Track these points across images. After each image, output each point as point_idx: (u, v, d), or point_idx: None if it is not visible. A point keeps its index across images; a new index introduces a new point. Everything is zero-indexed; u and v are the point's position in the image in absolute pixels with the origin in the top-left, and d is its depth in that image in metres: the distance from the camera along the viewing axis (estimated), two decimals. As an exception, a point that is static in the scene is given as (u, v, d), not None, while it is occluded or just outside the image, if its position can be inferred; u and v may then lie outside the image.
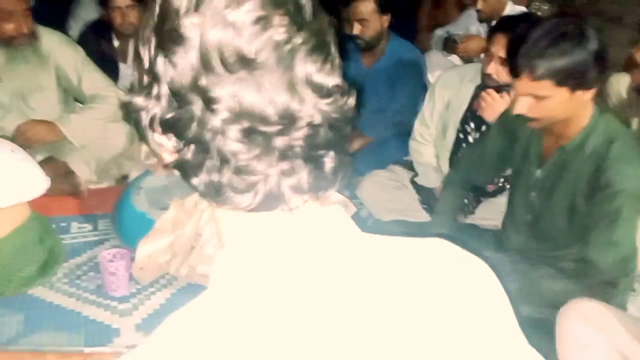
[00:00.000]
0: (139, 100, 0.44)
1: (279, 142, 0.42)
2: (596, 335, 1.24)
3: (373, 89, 2.55)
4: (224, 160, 0.42)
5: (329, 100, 0.44)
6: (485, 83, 1.90)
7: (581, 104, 1.30)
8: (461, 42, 2.75)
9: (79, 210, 2.12)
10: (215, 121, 0.41)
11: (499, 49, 1.80)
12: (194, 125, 0.42)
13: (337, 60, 0.46)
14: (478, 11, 2.72)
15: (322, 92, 0.43)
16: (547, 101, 1.27)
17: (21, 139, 2.06)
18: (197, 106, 0.42)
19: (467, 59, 2.71)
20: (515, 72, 1.29)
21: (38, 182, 1.64)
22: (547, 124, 1.35)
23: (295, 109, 0.42)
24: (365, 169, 2.29)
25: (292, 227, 0.46)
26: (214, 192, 0.44)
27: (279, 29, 0.42)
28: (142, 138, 0.47)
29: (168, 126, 0.44)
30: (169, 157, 0.45)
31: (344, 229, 0.48)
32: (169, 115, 0.43)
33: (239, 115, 0.41)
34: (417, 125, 2.20)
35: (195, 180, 0.44)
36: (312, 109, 0.43)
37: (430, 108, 2.13)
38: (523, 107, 1.31)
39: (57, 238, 1.86)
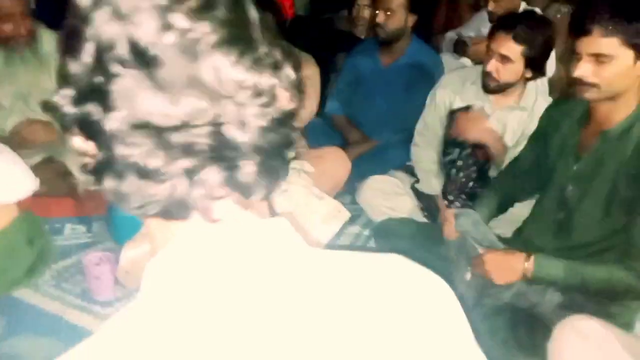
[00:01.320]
0: (57, 99, 0.43)
1: (178, 138, 0.40)
2: (594, 357, 1.16)
3: (386, 90, 2.50)
4: (124, 163, 0.41)
5: (244, 98, 0.41)
6: (486, 83, 1.82)
7: (637, 79, 1.28)
8: (472, 44, 2.67)
9: (75, 212, 2.11)
10: (112, 121, 0.40)
11: (499, 46, 1.74)
12: (95, 126, 0.41)
13: (271, 60, 0.43)
14: (489, 12, 2.64)
15: (234, 88, 0.40)
16: (609, 65, 1.26)
17: (16, 138, 2.06)
18: (94, 105, 0.40)
19: (478, 62, 2.63)
20: (580, 29, 1.27)
21: (23, 184, 1.63)
22: (601, 96, 1.31)
23: (197, 105, 0.40)
24: (366, 174, 2.23)
25: (223, 237, 0.45)
26: (120, 199, 0.42)
27: (180, 19, 0.39)
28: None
29: (78, 126, 0.42)
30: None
31: (282, 241, 0.46)
32: (73, 115, 0.42)
33: (135, 113, 0.39)
34: (418, 130, 2.13)
35: (105, 186, 0.42)
36: (219, 106, 0.40)
37: (432, 113, 2.06)
38: (585, 69, 1.28)
39: (49, 239, 1.84)
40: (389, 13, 2.37)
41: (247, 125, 0.41)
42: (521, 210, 1.70)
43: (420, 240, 1.85)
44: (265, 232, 0.46)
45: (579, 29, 1.28)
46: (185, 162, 0.40)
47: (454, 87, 1.98)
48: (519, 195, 1.70)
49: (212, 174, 0.41)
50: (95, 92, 0.40)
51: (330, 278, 0.47)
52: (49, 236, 1.88)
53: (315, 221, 1.79)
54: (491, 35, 1.79)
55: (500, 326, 1.45)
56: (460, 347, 0.49)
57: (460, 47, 2.77)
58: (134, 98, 0.39)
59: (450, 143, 1.93)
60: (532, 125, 1.67)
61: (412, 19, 2.42)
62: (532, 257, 1.38)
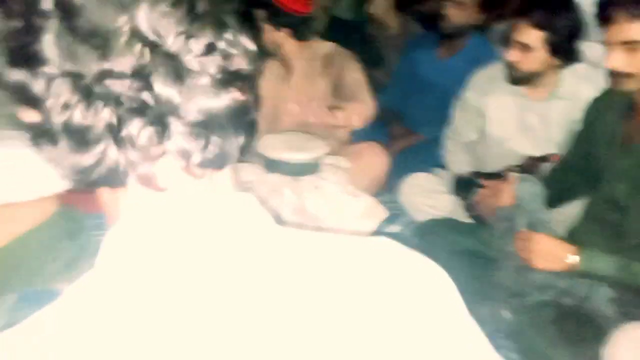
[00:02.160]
0: None
1: (101, 89, 0.39)
2: None
3: (440, 84, 2.41)
4: (54, 124, 0.40)
5: (176, 48, 0.39)
6: (509, 74, 1.71)
7: None
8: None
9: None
10: (40, 80, 0.39)
11: (518, 33, 1.64)
12: (28, 91, 0.40)
13: (213, 20, 0.42)
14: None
15: (161, 35, 0.39)
16: None
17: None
18: (25, 68, 0.40)
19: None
20: (605, 18, 1.21)
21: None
22: (639, 87, 1.23)
23: (120, 53, 0.38)
24: (410, 171, 2.15)
25: (176, 210, 0.44)
26: (60, 169, 0.42)
27: None
28: None
29: (19, 97, 0.42)
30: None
31: (243, 217, 0.45)
32: (12, 84, 0.41)
33: (62, 66, 0.39)
34: (448, 135, 2.04)
35: (45, 156, 0.42)
36: (145, 56, 0.39)
37: (461, 115, 1.97)
38: (617, 59, 1.21)
39: (90, 234, 1.88)
40: (461, 6, 2.30)
41: (177, 79, 0.39)
42: (573, 209, 1.58)
43: (464, 241, 1.75)
44: (225, 205, 0.45)
45: (604, 17, 1.21)
46: (108, 114, 0.39)
47: (483, 88, 1.88)
48: (569, 194, 1.57)
49: (138, 129, 0.39)
50: (24, 53, 0.39)
51: (301, 258, 0.45)
52: (90, 231, 1.91)
53: (350, 219, 1.72)
54: (512, 24, 1.69)
55: (547, 319, 1.35)
56: (456, 330, 0.46)
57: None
58: (59, 51, 0.38)
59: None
60: (578, 115, 1.54)
61: (481, 16, 2.34)
62: (579, 249, 1.29)
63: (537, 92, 1.77)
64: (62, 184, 1.71)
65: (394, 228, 2.15)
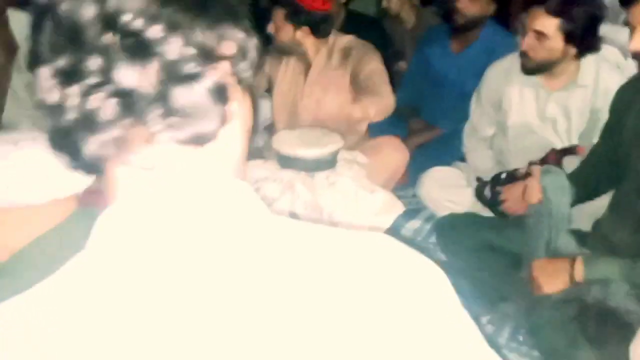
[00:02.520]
0: None
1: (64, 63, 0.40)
2: None
3: (456, 77, 2.38)
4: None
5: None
6: (523, 64, 1.65)
7: None
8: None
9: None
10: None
11: (533, 20, 1.59)
12: None
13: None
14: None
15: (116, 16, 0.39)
16: None
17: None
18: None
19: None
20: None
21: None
22: None
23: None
24: (430, 165, 2.11)
25: (168, 195, 0.44)
26: (58, 158, 0.44)
27: None
28: None
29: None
30: None
31: (234, 205, 0.44)
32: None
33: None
34: (466, 133, 2.00)
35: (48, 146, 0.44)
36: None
37: (478, 111, 1.92)
38: None
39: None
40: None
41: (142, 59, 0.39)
42: (600, 201, 1.52)
43: (485, 236, 1.71)
44: (219, 192, 0.44)
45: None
46: (75, 89, 0.40)
47: (499, 82, 1.83)
48: (597, 188, 1.52)
49: (102, 101, 0.40)
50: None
51: (294, 249, 0.44)
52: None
53: (366, 215, 1.69)
54: (526, 10, 1.64)
55: (569, 316, 1.31)
56: (452, 329, 0.44)
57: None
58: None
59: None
60: (600, 103, 1.49)
61: (493, 7, 2.29)
62: (578, 261, 1.28)
63: (556, 81, 1.72)
64: (81, 184, 1.73)
65: (414, 223, 2.12)
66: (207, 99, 0.42)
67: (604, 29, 1.72)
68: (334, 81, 2.04)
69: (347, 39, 2.05)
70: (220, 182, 0.45)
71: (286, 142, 1.70)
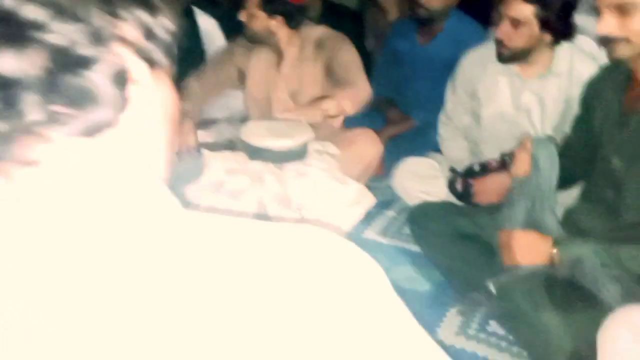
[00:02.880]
0: None
1: None
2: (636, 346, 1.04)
3: (425, 69, 2.36)
4: None
5: None
6: (498, 52, 1.64)
7: None
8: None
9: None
10: None
11: (508, 7, 1.57)
12: None
13: None
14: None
15: None
16: (636, 14, 1.12)
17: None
18: None
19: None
20: None
21: None
22: (636, 51, 1.17)
23: None
24: (404, 156, 2.10)
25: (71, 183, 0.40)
26: None
27: None
28: None
29: None
30: None
31: (136, 201, 0.41)
32: None
33: None
34: (442, 121, 1.98)
35: None
36: None
37: (453, 100, 1.91)
38: (608, 24, 1.16)
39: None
40: None
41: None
42: (572, 191, 1.52)
43: (458, 225, 1.70)
44: (119, 187, 0.41)
45: None
46: None
47: (473, 71, 1.82)
48: (569, 178, 1.51)
49: None
50: None
51: (209, 245, 0.41)
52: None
53: (337, 207, 1.67)
54: None
55: (537, 283, 1.31)
56: (385, 320, 0.43)
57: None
58: None
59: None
60: (574, 92, 1.48)
61: None
62: (559, 244, 1.26)
63: (531, 69, 1.70)
64: None
65: (388, 214, 2.10)
66: (100, 85, 0.39)
67: (579, 20, 1.71)
68: (307, 73, 2.00)
69: (320, 30, 2.01)
70: (122, 175, 0.42)
71: (254, 133, 1.67)
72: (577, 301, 1.23)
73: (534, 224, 1.40)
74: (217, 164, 1.64)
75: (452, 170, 1.96)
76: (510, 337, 1.47)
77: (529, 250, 1.30)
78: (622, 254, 1.20)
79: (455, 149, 1.97)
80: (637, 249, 1.21)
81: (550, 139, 1.50)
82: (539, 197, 1.41)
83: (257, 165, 1.63)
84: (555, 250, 1.27)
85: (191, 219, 0.42)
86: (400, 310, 0.45)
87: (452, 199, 1.89)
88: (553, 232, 1.36)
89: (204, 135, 2.13)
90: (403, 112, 2.45)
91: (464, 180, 1.84)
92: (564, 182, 1.51)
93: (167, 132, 0.47)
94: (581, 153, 1.43)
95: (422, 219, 1.79)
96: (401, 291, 1.54)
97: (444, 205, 1.82)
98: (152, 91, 0.44)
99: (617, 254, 1.21)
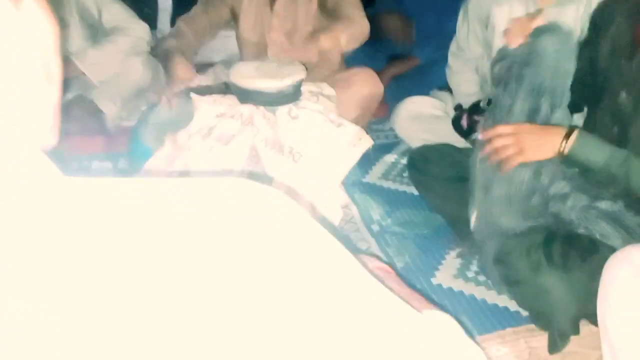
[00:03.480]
0: None
1: None
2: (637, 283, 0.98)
3: (431, 3, 2.21)
4: None
5: None
6: None
7: None
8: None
9: (103, 149, 2.10)
10: None
11: None
12: None
13: None
14: None
15: None
16: None
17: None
18: None
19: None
20: None
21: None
22: None
23: None
24: (406, 96, 2.01)
25: None
26: None
27: None
28: None
29: None
30: None
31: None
32: None
33: None
34: (452, 52, 1.87)
35: None
36: None
37: (465, 29, 1.79)
38: None
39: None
40: None
41: None
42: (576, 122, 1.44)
43: (457, 167, 1.63)
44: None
45: None
46: None
47: None
48: (572, 106, 1.42)
49: None
50: None
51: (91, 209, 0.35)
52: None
53: (332, 151, 1.62)
54: None
55: (535, 243, 1.25)
56: (317, 263, 0.38)
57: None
58: None
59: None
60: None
61: None
62: (575, 133, 1.18)
63: None
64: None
65: (389, 157, 2.04)
66: None
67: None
68: (302, 11, 1.90)
69: None
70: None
71: (244, 74, 1.60)
72: (577, 260, 1.18)
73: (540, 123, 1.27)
74: (207, 108, 1.59)
75: (458, 107, 1.87)
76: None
77: (538, 142, 1.20)
78: (634, 167, 1.13)
79: (464, 81, 1.88)
80: None
81: (561, 26, 1.31)
82: (548, 94, 1.27)
83: (248, 109, 1.57)
84: (570, 140, 1.18)
85: (76, 186, 0.36)
86: (330, 247, 0.40)
87: (456, 138, 1.82)
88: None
89: (199, 80, 2.07)
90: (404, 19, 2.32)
91: (469, 117, 1.76)
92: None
93: (45, 72, 0.39)
94: (585, 81, 1.33)
95: (422, 164, 1.73)
96: (402, 235, 1.49)
97: (443, 148, 1.75)
98: (17, 17, 0.36)
99: (631, 165, 1.13)
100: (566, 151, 1.19)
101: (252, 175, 1.45)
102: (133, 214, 0.35)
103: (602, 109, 1.27)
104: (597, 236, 1.19)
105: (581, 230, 1.23)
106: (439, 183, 1.64)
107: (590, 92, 1.32)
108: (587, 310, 1.11)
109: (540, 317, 1.26)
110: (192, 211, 0.36)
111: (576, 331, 1.21)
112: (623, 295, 1.01)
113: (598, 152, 1.18)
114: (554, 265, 1.19)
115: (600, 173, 1.19)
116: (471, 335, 1.35)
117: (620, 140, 1.21)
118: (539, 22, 1.32)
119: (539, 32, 1.29)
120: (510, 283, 1.29)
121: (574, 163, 1.23)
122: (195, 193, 0.37)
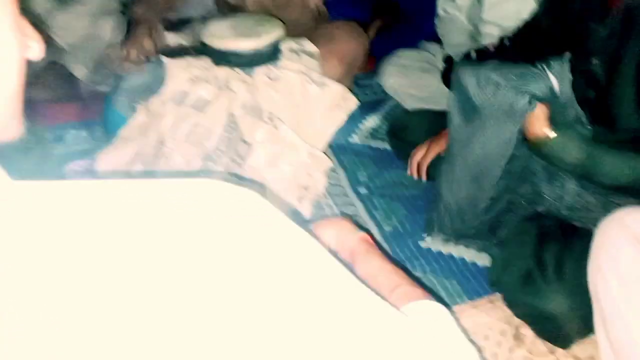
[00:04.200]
0: None
1: None
2: (628, 246, 0.94)
3: None
4: None
5: None
6: None
7: None
8: None
9: (78, 117, 2.01)
10: None
11: None
12: None
13: None
14: None
15: None
16: None
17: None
18: None
19: None
20: None
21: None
22: None
23: None
24: (394, 49, 1.92)
25: None
26: None
27: None
28: None
29: None
30: None
31: None
32: None
33: None
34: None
35: None
36: None
37: None
38: None
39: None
40: None
41: None
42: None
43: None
44: None
45: None
46: None
47: None
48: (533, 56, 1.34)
49: None
50: None
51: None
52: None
53: (314, 113, 1.54)
54: None
55: (530, 235, 1.20)
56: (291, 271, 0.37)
57: None
58: None
59: None
60: None
61: None
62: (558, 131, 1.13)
63: None
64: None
65: (379, 115, 1.96)
66: None
67: None
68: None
69: None
70: None
71: (217, 34, 1.49)
72: (574, 266, 1.12)
73: None
74: (180, 72, 1.49)
75: (447, 59, 1.78)
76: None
77: (540, 120, 1.15)
78: (606, 160, 1.08)
79: (455, 31, 1.78)
80: (621, 159, 1.07)
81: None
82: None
83: (224, 72, 1.48)
84: (552, 132, 1.14)
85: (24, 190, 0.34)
86: (305, 248, 0.39)
87: (447, 92, 1.74)
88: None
89: (176, 38, 1.96)
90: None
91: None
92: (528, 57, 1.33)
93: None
94: (551, 31, 1.24)
95: (402, 132, 1.67)
96: (391, 196, 1.43)
97: (425, 115, 1.68)
98: None
99: (600, 159, 1.08)
100: (554, 142, 1.13)
101: (231, 177, 1.37)
102: (100, 217, 0.33)
103: (577, 73, 1.19)
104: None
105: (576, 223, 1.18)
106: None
107: (558, 46, 1.23)
108: (584, 312, 1.05)
109: (543, 331, 1.19)
110: (163, 213, 0.35)
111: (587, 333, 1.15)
112: (614, 261, 0.97)
113: (575, 149, 1.12)
114: (549, 281, 1.13)
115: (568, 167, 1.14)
116: (462, 301, 1.32)
117: (594, 108, 1.14)
118: None
119: None
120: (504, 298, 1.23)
121: (547, 154, 1.16)
122: (167, 195, 0.36)
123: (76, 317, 0.30)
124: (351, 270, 0.51)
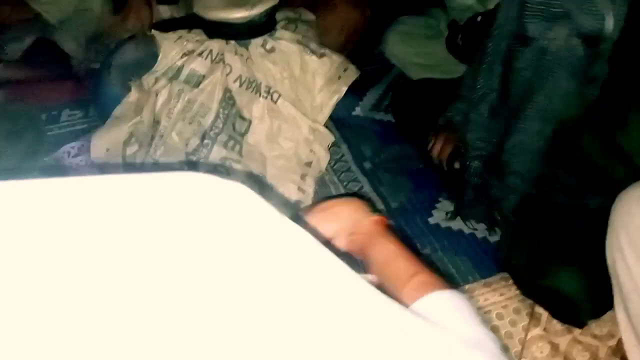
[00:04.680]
0: None
1: None
2: None
3: None
4: None
5: None
6: None
7: None
8: None
9: (75, 95, 1.94)
10: None
11: None
12: None
13: None
14: None
15: None
16: None
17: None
18: None
19: None
20: None
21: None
22: None
23: None
24: (395, 16, 1.83)
25: None
26: None
27: None
28: None
29: None
30: None
31: None
32: None
33: None
34: None
35: None
36: None
37: None
38: None
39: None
40: None
41: None
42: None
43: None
44: None
45: None
46: None
47: None
48: None
49: None
50: None
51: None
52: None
53: (314, 85, 1.47)
54: None
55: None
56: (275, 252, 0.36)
57: None
58: None
59: None
60: None
61: None
62: None
63: None
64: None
65: (381, 86, 1.88)
66: None
67: None
68: None
69: None
70: None
71: (210, 4, 1.42)
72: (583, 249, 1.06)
73: None
74: (172, 46, 1.42)
75: (452, 24, 1.70)
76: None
77: None
78: None
79: None
80: None
81: None
82: None
83: (218, 45, 1.41)
84: None
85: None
86: (296, 241, 0.37)
87: (452, 60, 1.67)
88: None
89: (168, 11, 1.88)
90: None
91: (465, 35, 1.60)
92: None
93: None
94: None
95: (407, 104, 1.60)
96: (397, 171, 1.36)
97: (431, 85, 1.61)
98: None
99: None
100: None
101: (219, 168, 1.31)
102: (81, 215, 0.32)
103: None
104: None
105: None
106: (422, 125, 1.52)
107: None
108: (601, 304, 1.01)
109: (557, 312, 1.14)
110: (144, 210, 0.34)
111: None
112: (633, 237, 0.92)
113: None
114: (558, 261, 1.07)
115: None
116: (474, 279, 1.27)
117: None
118: None
119: None
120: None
121: None
122: (148, 191, 0.35)
123: (58, 316, 0.29)
124: (351, 261, 0.49)
